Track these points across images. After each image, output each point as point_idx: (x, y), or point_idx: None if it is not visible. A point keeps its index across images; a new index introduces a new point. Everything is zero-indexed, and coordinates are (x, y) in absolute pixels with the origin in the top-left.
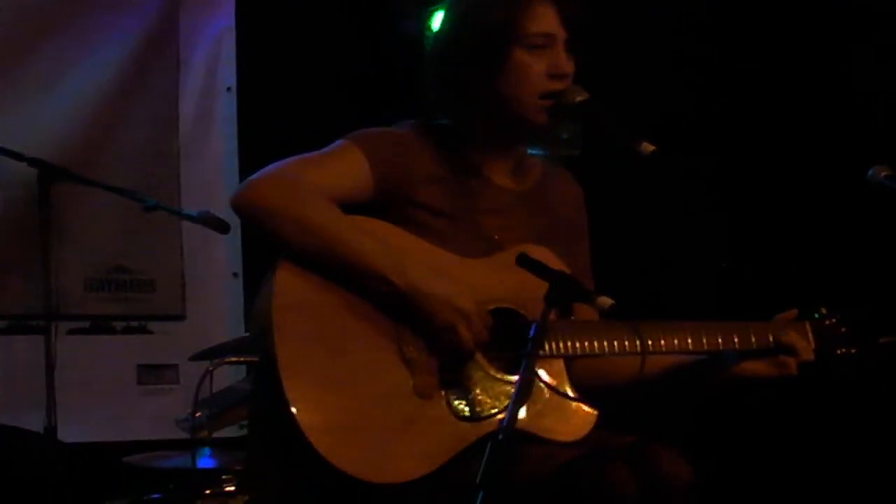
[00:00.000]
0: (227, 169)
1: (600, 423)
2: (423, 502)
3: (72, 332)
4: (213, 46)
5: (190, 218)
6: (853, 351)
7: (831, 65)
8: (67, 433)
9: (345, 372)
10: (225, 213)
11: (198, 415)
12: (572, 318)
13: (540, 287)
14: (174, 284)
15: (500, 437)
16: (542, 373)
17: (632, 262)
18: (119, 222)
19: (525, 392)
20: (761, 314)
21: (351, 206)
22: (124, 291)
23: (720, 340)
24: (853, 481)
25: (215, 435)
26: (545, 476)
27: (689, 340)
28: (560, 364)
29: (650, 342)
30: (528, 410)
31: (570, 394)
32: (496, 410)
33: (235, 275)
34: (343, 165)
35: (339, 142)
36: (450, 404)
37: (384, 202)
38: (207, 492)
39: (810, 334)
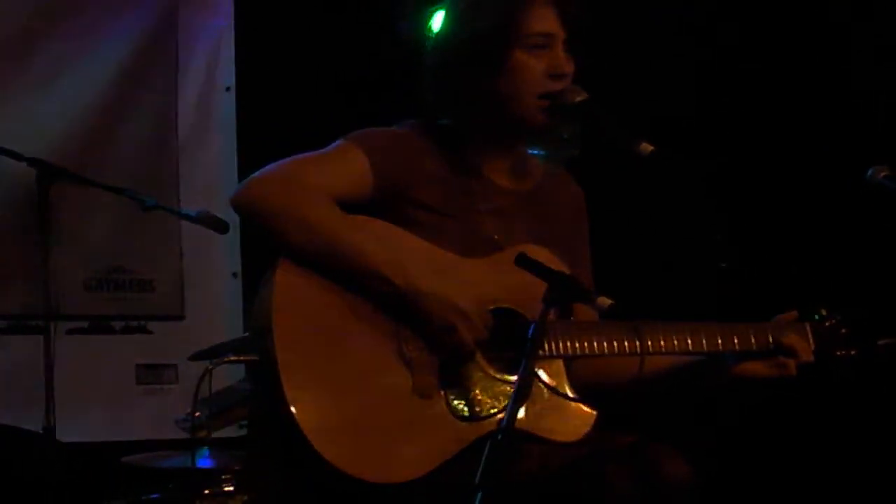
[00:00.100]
0: (226, 169)
1: (600, 424)
2: (423, 502)
3: (71, 331)
4: (211, 46)
5: (189, 218)
6: (853, 352)
7: (831, 65)
8: (66, 433)
9: (344, 372)
10: (224, 212)
11: (197, 414)
12: (572, 318)
13: (539, 287)
14: (173, 284)
15: (500, 437)
16: (541, 373)
17: (631, 263)
18: (118, 222)
19: (524, 392)
20: (761, 314)
21: (351, 206)
22: (123, 291)
23: (720, 341)
24: (853, 482)
25: (214, 435)
26: (544, 476)
27: (689, 341)
28: (559, 364)
29: (650, 343)
30: (527, 411)
31: (570, 394)
32: (495, 410)
33: (234, 275)
34: (343, 165)
35: (339, 141)
36: (449, 404)
37: (384, 202)
38: (206, 492)
39: (810, 335)
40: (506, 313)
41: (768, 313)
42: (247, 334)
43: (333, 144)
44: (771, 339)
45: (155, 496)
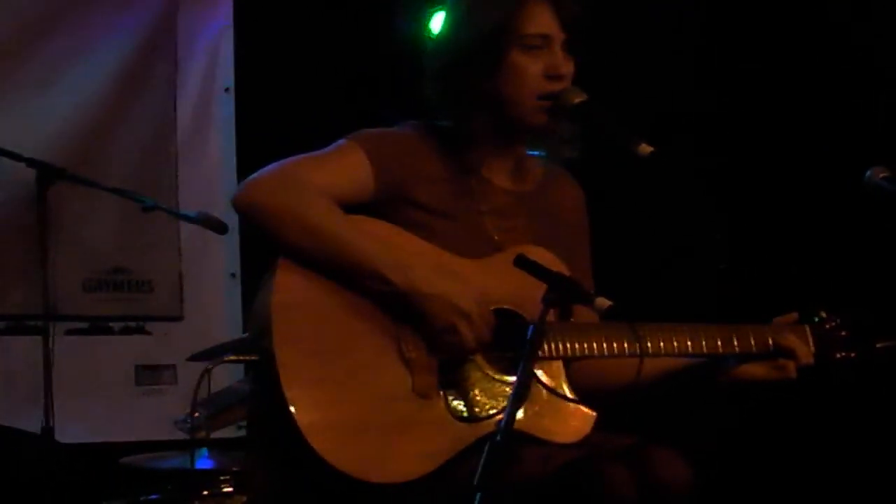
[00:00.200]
0: (225, 170)
1: (599, 425)
2: (422, 502)
3: (70, 332)
4: (211, 47)
5: (188, 219)
6: (852, 355)
7: (831, 65)
8: (65, 434)
9: (344, 372)
10: (223, 213)
11: (196, 415)
12: (572, 319)
13: (539, 288)
14: (172, 285)
15: (498, 438)
16: (540, 374)
17: (630, 263)
18: (117, 223)
19: (523, 393)
20: (760, 315)
21: (351, 206)
22: (122, 292)
23: (719, 343)
24: (852, 483)
25: (213, 436)
26: (543, 477)
27: (689, 343)
28: (559, 365)
29: (649, 344)
30: (526, 411)
31: (569, 395)
32: (495, 411)
33: (233, 275)
34: (344, 165)
35: (340, 141)
36: (448, 405)
37: (385, 202)
38: (205, 493)
39: (810, 338)
40: (506, 314)
41: (767, 314)
42: (246, 335)
43: (334, 144)
44: (771, 342)
45: (154, 497)
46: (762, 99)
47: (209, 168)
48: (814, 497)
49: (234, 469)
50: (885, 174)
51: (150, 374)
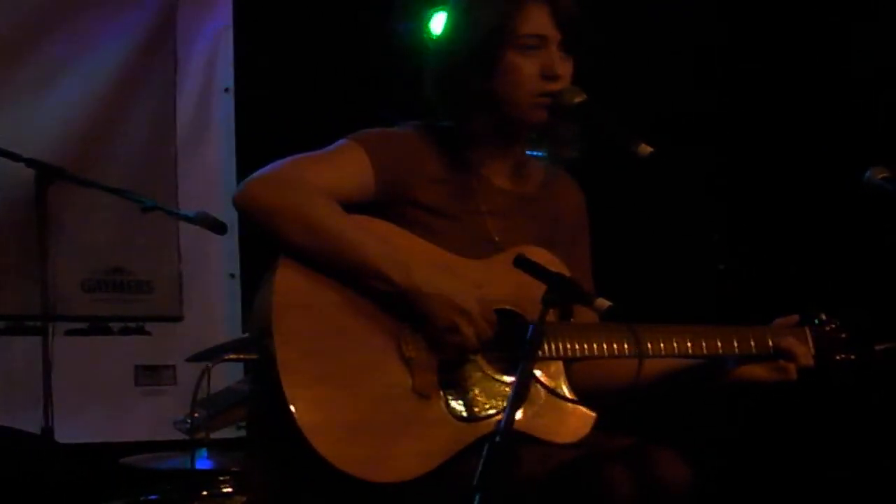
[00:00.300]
0: (225, 170)
1: (598, 425)
2: (422, 502)
3: (69, 332)
4: (210, 47)
5: (187, 219)
6: (852, 357)
7: (831, 65)
8: (64, 434)
9: (344, 371)
10: (222, 214)
11: (195, 415)
12: (572, 320)
13: (539, 288)
14: (171, 285)
15: (498, 438)
16: (539, 374)
17: (630, 264)
18: (116, 223)
19: (522, 393)
20: (759, 315)
21: (352, 206)
22: (121, 292)
23: (719, 345)
24: (851, 484)
25: (213, 436)
26: (543, 477)
27: (689, 344)
28: (558, 366)
29: (649, 345)
30: (525, 412)
31: (568, 395)
32: (494, 411)
33: (232, 276)
34: (346, 165)
35: (341, 141)
36: (448, 404)
37: (385, 202)
38: (205, 493)
39: (809, 340)
40: (506, 314)
41: (766, 314)
42: (245, 335)
43: (336, 144)
44: (770, 343)
45: (153, 497)
46: (762, 99)
47: (208, 168)
48: (813, 497)
49: (234, 469)
50: (884, 174)
51: (149, 375)
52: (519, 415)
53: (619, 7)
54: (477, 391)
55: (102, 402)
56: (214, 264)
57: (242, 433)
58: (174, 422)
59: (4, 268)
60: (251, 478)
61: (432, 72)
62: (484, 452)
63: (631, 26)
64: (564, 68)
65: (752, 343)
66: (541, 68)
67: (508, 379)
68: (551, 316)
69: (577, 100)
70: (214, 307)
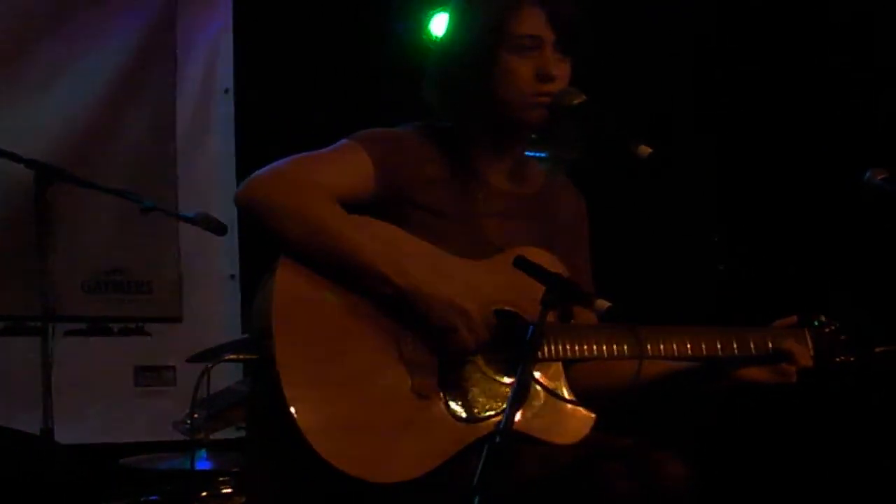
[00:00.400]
0: (224, 171)
1: (598, 425)
2: (422, 502)
3: (69, 333)
4: (210, 48)
5: (187, 220)
6: (851, 359)
7: (830, 66)
8: (64, 435)
9: (344, 372)
10: (222, 214)
11: (195, 416)
12: (572, 321)
13: (539, 289)
14: (171, 286)
15: (497, 439)
16: (539, 375)
17: (629, 264)
18: (116, 224)
19: (522, 394)
20: (759, 316)
21: (352, 206)
22: (121, 293)
23: (719, 346)
24: (851, 484)
25: (212, 437)
26: (543, 477)
27: (689, 346)
28: (558, 367)
29: (649, 346)
30: (525, 412)
31: (567, 396)
32: (494, 412)
33: (232, 276)
34: (346, 164)
35: (342, 141)
36: (447, 405)
37: (385, 203)
38: (204, 494)
39: (809, 342)
40: (505, 315)
41: (766, 315)
42: (245, 336)
43: (337, 144)
44: (770, 345)
45: (153, 498)
46: (761, 100)
47: (208, 169)
48: (813, 497)
49: (234, 470)
50: (884, 175)
51: (149, 375)
52: (518, 415)
53: (617, 7)
54: (476, 392)
55: (102, 402)
56: (214, 265)
57: (242, 434)
58: (174, 422)
59: (4, 268)
60: (251, 478)
61: (431, 72)
62: (483, 453)
63: (629, 27)
64: (560, 69)
65: (752, 345)
66: (536, 69)
67: (508, 380)
68: (551, 317)
69: (577, 101)
70: (214, 308)
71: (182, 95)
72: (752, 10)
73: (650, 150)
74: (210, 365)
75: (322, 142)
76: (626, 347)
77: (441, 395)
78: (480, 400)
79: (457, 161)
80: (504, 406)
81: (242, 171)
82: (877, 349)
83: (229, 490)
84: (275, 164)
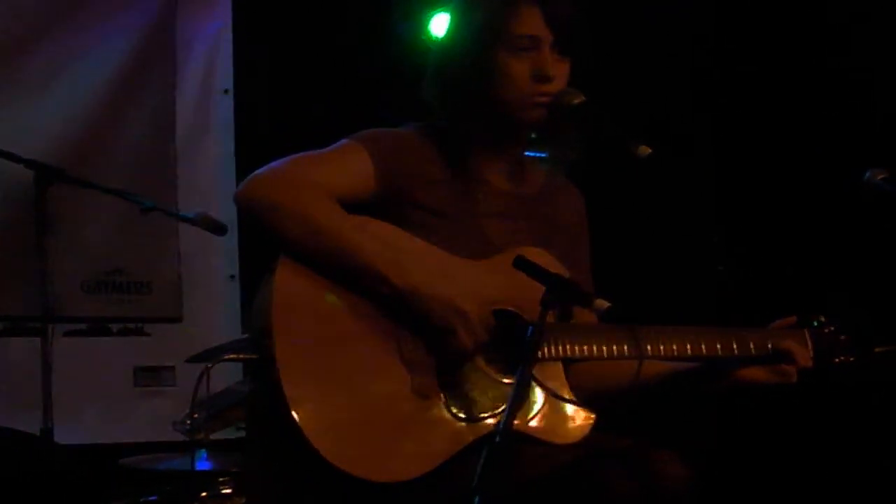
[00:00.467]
0: (224, 171)
1: (598, 425)
2: (422, 502)
3: (68, 333)
4: (209, 49)
5: (187, 220)
6: (851, 359)
7: (830, 66)
8: (64, 435)
9: (344, 372)
10: (222, 215)
11: (195, 416)
12: (571, 321)
13: (538, 290)
14: (171, 286)
15: (497, 439)
16: (539, 375)
17: (628, 265)
18: (116, 224)
19: (522, 394)
20: (759, 316)
21: (352, 206)
22: (121, 293)
23: (719, 347)
24: (850, 484)
25: (212, 437)
26: (543, 478)
27: (688, 346)
28: (558, 367)
29: (649, 347)
30: (525, 412)
31: (567, 397)
32: (494, 412)
33: (232, 277)
34: (347, 164)
35: (343, 141)
36: (448, 405)
37: (385, 203)
38: (204, 494)
39: (809, 342)
40: (505, 315)
41: (765, 315)
42: (244, 336)
43: (337, 144)
44: (770, 345)
45: (153, 498)
46: (760, 100)
47: (208, 169)
48: (813, 498)
49: (234, 470)
50: (883, 175)
51: (148, 376)
52: (518, 416)
53: (616, 8)
54: (476, 392)
55: (102, 403)
56: (214, 265)
57: (242, 434)
58: (173, 423)
59: (4, 269)
60: (251, 478)
61: (431, 72)
62: (483, 453)
63: (628, 27)
64: (557, 69)
65: (751, 345)
66: (533, 69)
67: (508, 380)
68: (551, 317)
69: (576, 101)
70: (214, 308)
71: (182, 96)
72: (750, 10)
73: (649, 151)
74: (210, 365)
75: (322, 142)
76: (625, 348)
77: (441, 395)
78: (480, 400)
79: (457, 161)
80: (504, 406)
81: (242, 171)
82: (876, 349)
83: (229, 490)
84: (274, 164)
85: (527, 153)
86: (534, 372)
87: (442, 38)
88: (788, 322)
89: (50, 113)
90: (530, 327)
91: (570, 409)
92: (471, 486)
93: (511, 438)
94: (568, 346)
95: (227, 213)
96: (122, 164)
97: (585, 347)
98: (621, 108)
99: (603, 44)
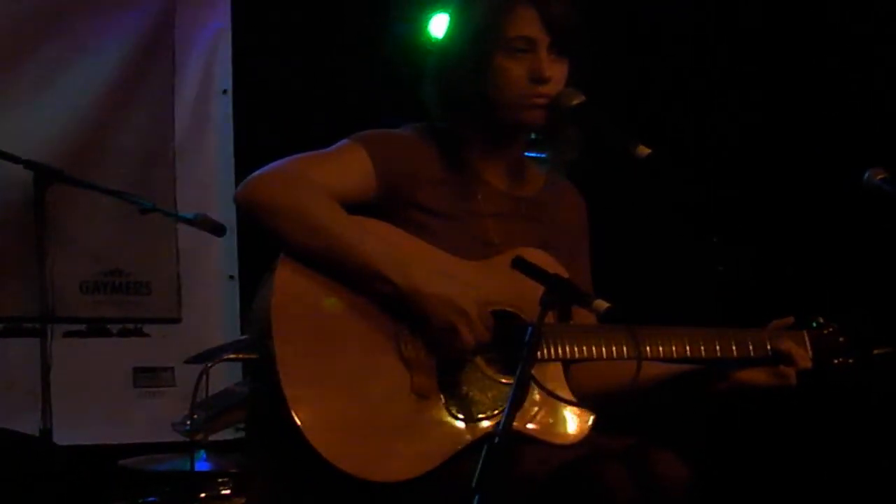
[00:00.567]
0: (223, 172)
1: (598, 426)
2: (421, 501)
3: (67, 334)
4: (208, 49)
5: (186, 220)
6: (850, 361)
7: (829, 67)
8: (63, 436)
9: (344, 371)
10: (221, 215)
11: (194, 417)
12: (571, 321)
13: (538, 290)
14: (170, 287)
15: (497, 439)
16: (538, 376)
17: (627, 265)
18: (115, 225)
19: (522, 394)
20: (759, 317)
21: (352, 206)
22: (120, 294)
23: (718, 348)
24: (849, 485)
25: (211, 438)
26: (542, 478)
27: (687, 347)
28: (557, 367)
29: (648, 348)
30: (524, 413)
31: (566, 397)
32: (493, 412)
33: (231, 277)
34: (347, 165)
35: (343, 141)
36: (447, 405)
37: (385, 203)
38: (203, 495)
39: (808, 343)
40: (504, 315)
41: (766, 316)
42: (244, 337)
43: (337, 144)
44: (769, 347)
45: (152, 499)
46: (760, 100)
47: (207, 170)
48: (812, 498)
49: (233, 471)
50: (883, 175)
51: (148, 376)
52: (518, 416)
53: (615, 8)
54: (476, 392)
55: (101, 403)
56: (213, 266)
57: (241, 435)
58: (173, 423)
59: (3, 269)
60: (251, 478)
61: (429, 73)
62: (483, 453)
63: (626, 27)
64: (555, 70)
65: (750, 346)
66: (529, 71)
67: (507, 380)
68: (550, 318)
69: (575, 102)
70: (213, 309)
71: (180, 96)
72: (749, 10)
73: (649, 151)
74: (209, 365)
75: (322, 142)
76: (624, 348)
77: (441, 395)
78: (480, 400)
79: (456, 162)
80: (503, 406)
81: (241, 171)
82: (875, 351)
83: (228, 491)
84: (274, 164)
85: (526, 154)
86: (533, 372)
87: (441, 40)
88: (786, 322)
89: (49, 113)
90: (529, 328)
91: (569, 409)
92: (470, 486)
93: (510, 439)
94: (567, 347)
95: (226, 214)
96: (121, 164)
97: (585, 348)
98: (621, 108)
99: (602, 44)
